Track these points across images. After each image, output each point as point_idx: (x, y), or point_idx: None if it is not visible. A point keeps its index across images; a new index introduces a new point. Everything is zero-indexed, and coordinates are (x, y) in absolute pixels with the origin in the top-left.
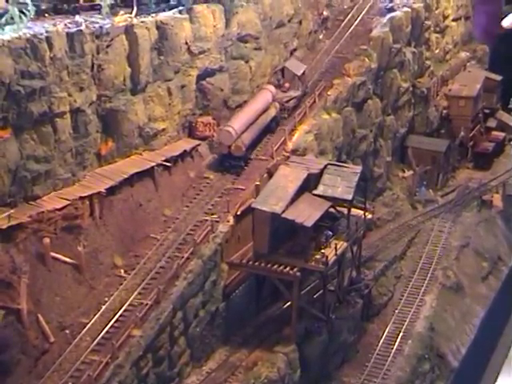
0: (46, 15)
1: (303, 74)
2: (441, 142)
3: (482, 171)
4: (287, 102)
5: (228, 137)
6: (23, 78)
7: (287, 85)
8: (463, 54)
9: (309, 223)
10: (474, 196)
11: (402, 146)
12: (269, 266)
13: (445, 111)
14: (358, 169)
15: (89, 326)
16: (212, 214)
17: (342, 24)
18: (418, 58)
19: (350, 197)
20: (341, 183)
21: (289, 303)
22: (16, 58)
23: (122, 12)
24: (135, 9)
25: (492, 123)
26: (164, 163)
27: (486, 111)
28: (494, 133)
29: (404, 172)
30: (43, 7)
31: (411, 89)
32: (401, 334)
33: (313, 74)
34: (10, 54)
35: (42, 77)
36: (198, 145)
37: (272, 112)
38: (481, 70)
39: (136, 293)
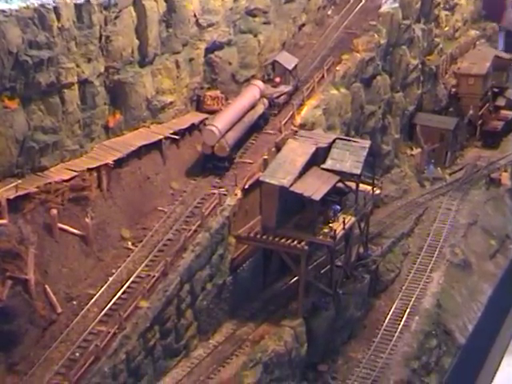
0: None
1: (295, 68)
2: (449, 119)
3: (490, 150)
4: (277, 97)
5: (211, 136)
6: (31, 48)
7: (278, 79)
8: (473, 32)
9: (317, 197)
10: (482, 174)
11: (410, 124)
12: (276, 239)
13: (454, 89)
14: (367, 143)
15: (96, 297)
16: (220, 188)
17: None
18: (427, 34)
19: (358, 171)
20: (349, 158)
21: (296, 278)
22: (24, 27)
23: None
24: None
25: (501, 102)
26: (172, 136)
27: (496, 90)
28: (503, 112)
29: (412, 150)
30: None
31: (420, 66)
32: (408, 310)
33: (321, 49)
34: (18, 23)
35: (49, 47)
36: (206, 118)
37: (259, 109)
38: (490, 48)
39: (143, 265)
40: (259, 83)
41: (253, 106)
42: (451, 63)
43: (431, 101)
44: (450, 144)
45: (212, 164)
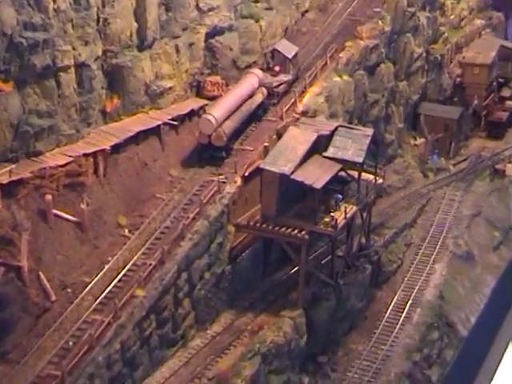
0: None
1: (295, 56)
2: (454, 109)
3: (495, 140)
4: (277, 86)
5: (208, 125)
6: (26, 30)
7: (277, 68)
8: (478, 22)
9: (318, 185)
10: (486, 165)
11: (414, 113)
12: (276, 228)
13: (458, 79)
14: (370, 131)
15: (91, 285)
16: (219, 175)
17: None
18: (432, 23)
19: (360, 159)
20: (352, 146)
21: (296, 268)
22: (19, 8)
23: None
24: None
25: (506, 92)
26: (171, 122)
27: (501, 80)
28: (509, 102)
29: (416, 139)
30: None
31: (425, 55)
32: (410, 301)
33: (325, 35)
34: (13, 4)
35: (45, 29)
36: (206, 104)
37: (258, 98)
38: (496, 38)
39: (140, 253)
40: (258, 72)
41: (251, 95)
42: (456, 52)
43: (435, 90)
44: (455, 134)
45: (209, 154)
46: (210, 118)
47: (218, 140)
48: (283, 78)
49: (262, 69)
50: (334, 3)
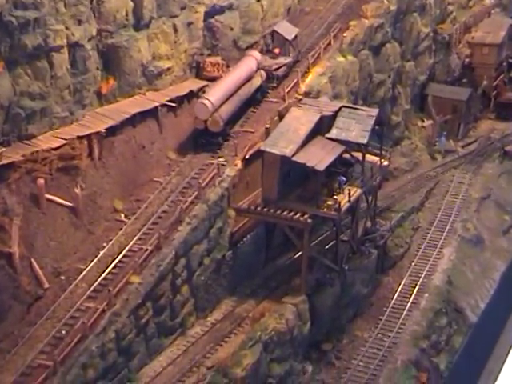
0: None
1: (295, 38)
2: (462, 90)
3: (504, 122)
4: (276, 69)
5: (204, 110)
6: (16, 8)
7: (277, 50)
8: (487, 1)
9: (321, 167)
10: (496, 147)
11: (421, 94)
12: (278, 212)
13: (467, 59)
14: (374, 111)
15: (85, 271)
16: (219, 157)
17: None
18: (439, 2)
19: (364, 140)
20: (355, 126)
21: (300, 253)
22: None
23: None
24: None
25: None
26: (169, 104)
27: (511, 60)
28: None
29: (423, 121)
30: None
31: (432, 34)
32: (417, 287)
33: (329, 15)
34: None
35: (36, 7)
36: (206, 86)
37: (257, 81)
38: (506, 17)
39: (136, 238)
40: (256, 54)
41: (249, 79)
42: (465, 33)
43: (444, 71)
44: (463, 116)
45: (205, 139)
46: (205, 102)
47: (215, 125)
48: (283, 60)
49: (261, 51)
50: None
